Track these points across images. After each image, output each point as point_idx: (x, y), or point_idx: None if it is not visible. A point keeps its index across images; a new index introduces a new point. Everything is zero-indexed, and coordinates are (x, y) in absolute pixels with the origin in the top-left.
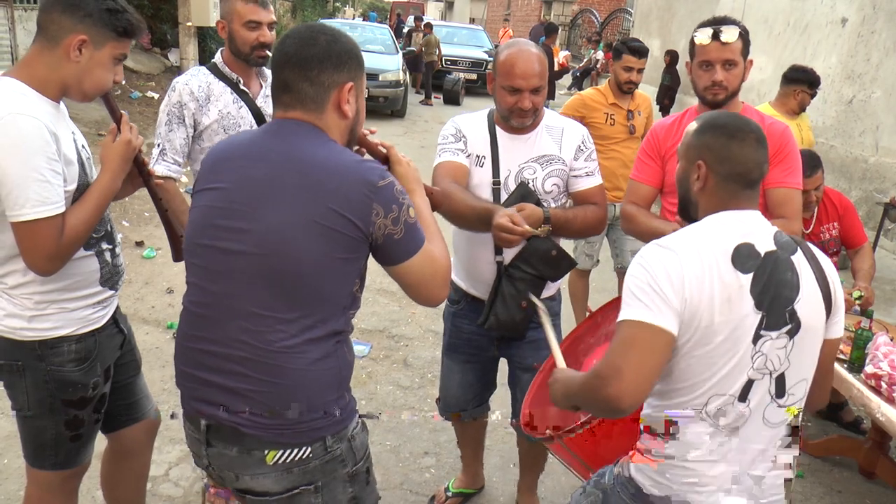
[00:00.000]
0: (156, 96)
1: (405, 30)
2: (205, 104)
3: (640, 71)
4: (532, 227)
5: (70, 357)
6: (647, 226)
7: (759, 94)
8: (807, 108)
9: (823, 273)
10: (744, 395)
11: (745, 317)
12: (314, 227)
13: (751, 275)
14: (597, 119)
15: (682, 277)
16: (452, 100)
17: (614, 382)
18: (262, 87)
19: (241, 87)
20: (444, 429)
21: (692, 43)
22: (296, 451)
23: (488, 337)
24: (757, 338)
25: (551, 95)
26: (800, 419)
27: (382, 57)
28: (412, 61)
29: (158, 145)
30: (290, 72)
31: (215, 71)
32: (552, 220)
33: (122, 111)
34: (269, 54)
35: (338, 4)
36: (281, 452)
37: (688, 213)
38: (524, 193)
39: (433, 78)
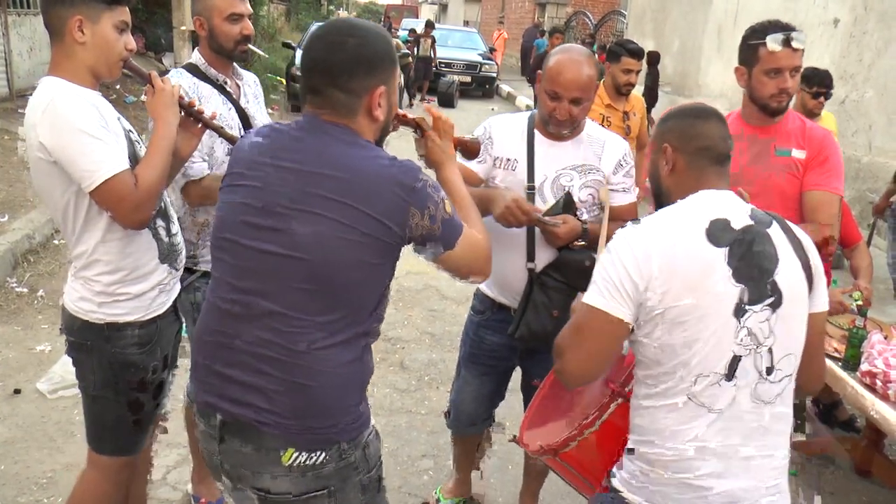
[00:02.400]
0: None
1: (402, 33)
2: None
3: (638, 72)
4: (570, 240)
5: (133, 341)
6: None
7: None
8: (820, 112)
9: (801, 245)
10: (731, 374)
11: (724, 291)
12: (350, 232)
13: (726, 249)
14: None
15: (650, 257)
16: (447, 102)
17: (558, 360)
18: (239, 86)
19: (228, 88)
20: (441, 431)
21: (753, 49)
22: (312, 454)
23: (511, 347)
24: (740, 312)
25: None
26: (807, 401)
27: None
28: (418, 67)
29: None
30: (319, 78)
31: (196, 73)
32: (590, 232)
33: (150, 71)
34: (251, 48)
35: (331, 7)
36: (297, 454)
37: (662, 206)
38: (567, 203)
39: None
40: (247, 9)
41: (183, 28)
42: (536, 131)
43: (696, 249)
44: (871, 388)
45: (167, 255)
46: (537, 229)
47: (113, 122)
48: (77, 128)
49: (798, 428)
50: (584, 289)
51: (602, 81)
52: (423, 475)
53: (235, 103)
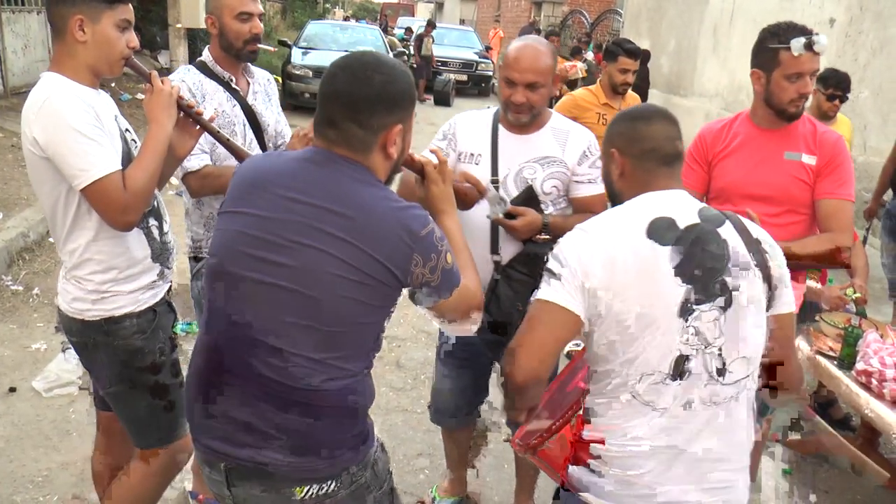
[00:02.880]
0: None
1: (398, 31)
2: (200, 102)
3: (635, 72)
4: (531, 233)
5: (133, 330)
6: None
7: (748, 95)
8: (834, 114)
9: (757, 244)
10: (677, 373)
11: (667, 290)
12: (352, 272)
13: (669, 247)
14: (589, 119)
15: (592, 255)
16: (443, 101)
17: (509, 359)
18: (249, 84)
19: (234, 85)
20: (437, 430)
21: (772, 53)
22: (323, 484)
23: (483, 340)
24: (687, 312)
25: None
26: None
27: None
28: (420, 66)
29: None
30: (338, 110)
31: (205, 70)
32: (551, 226)
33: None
34: (260, 47)
35: (327, 6)
36: (309, 487)
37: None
38: (529, 196)
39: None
40: (257, 8)
41: (178, 26)
42: (500, 125)
43: (635, 248)
44: (866, 386)
45: (159, 254)
46: None
47: (109, 122)
48: (71, 126)
49: (794, 427)
50: None
51: (599, 80)
52: (418, 474)
53: (242, 100)
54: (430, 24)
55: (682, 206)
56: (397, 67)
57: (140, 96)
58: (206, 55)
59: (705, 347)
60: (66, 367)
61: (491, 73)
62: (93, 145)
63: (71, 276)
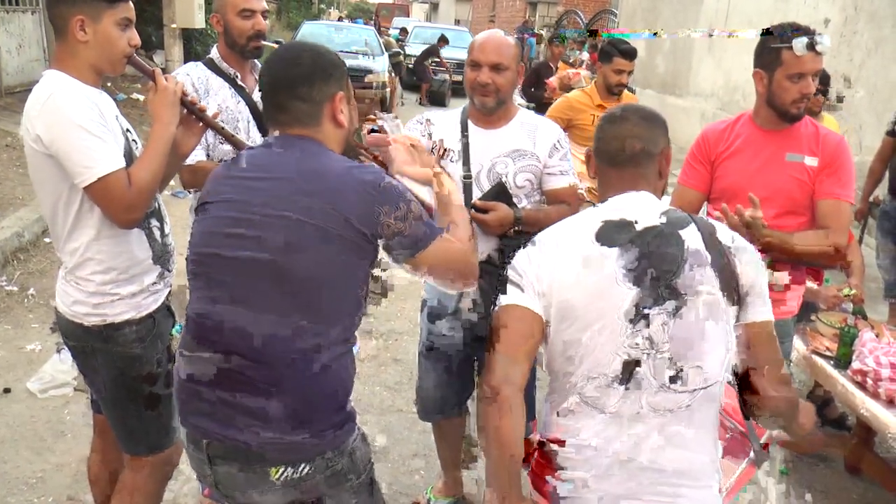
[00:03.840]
0: (141, 98)
1: (393, 32)
2: (204, 97)
3: (630, 73)
4: (503, 228)
5: (132, 337)
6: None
7: (743, 95)
8: (819, 109)
9: (722, 249)
10: (624, 378)
11: (614, 293)
12: (320, 232)
13: (617, 249)
14: (583, 120)
15: (542, 261)
16: (438, 101)
17: (487, 374)
18: (256, 81)
19: (239, 82)
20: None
21: (775, 53)
22: (300, 467)
23: (463, 334)
24: (634, 315)
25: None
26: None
27: (368, 58)
28: (419, 71)
29: None
30: (282, 94)
31: (212, 66)
32: (524, 219)
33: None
34: (265, 44)
35: (322, 6)
36: (284, 468)
37: None
38: (500, 191)
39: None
40: (260, 5)
41: (173, 26)
42: (470, 121)
43: (582, 252)
44: (862, 385)
45: (160, 255)
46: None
47: (111, 121)
48: (75, 124)
49: None
50: None
51: (594, 81)
52: (414, 475)
53: (247, 97)
54: (444, 39)
55: (644, 209)
56: (321, 46)
57: (135, 96)
58: (213, 53)
59: (655, 352)
60: (61, 367)
61: None
62: (97, 142)
63: (71, 278)
